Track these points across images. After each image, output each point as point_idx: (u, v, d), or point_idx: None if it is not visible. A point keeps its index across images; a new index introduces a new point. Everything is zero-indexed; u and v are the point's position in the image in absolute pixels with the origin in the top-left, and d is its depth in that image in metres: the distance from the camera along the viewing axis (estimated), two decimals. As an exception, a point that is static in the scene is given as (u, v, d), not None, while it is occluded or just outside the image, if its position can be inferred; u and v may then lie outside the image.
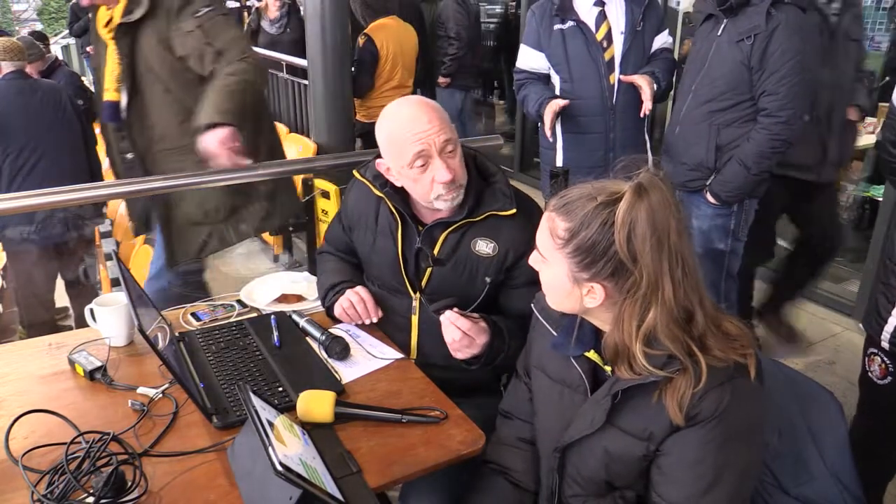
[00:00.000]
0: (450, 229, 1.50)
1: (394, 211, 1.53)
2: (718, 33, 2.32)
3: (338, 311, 1.61)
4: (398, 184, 1.50)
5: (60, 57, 7.47)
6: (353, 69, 4.11)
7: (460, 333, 1.37)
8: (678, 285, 0.99)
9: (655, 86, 2.45)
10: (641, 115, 2.48)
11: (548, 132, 2.51)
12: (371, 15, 4.19)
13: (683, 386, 0.99)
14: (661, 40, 2.61)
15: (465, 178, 1.47)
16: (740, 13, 2.24)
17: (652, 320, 0.99)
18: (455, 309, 1.39)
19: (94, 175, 3.21)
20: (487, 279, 1.51)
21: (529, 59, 2.61)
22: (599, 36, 2.48)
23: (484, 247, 1.50)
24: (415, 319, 1.58)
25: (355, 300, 1.58)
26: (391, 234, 1.55)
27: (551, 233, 1.04)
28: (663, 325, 0.98)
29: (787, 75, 2.17)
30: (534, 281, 1.37)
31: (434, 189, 1.43)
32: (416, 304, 1.57)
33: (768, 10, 2.17)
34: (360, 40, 4.10)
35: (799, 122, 2.24)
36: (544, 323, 1.21)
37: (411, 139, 1.40)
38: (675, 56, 2.89)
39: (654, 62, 2.56)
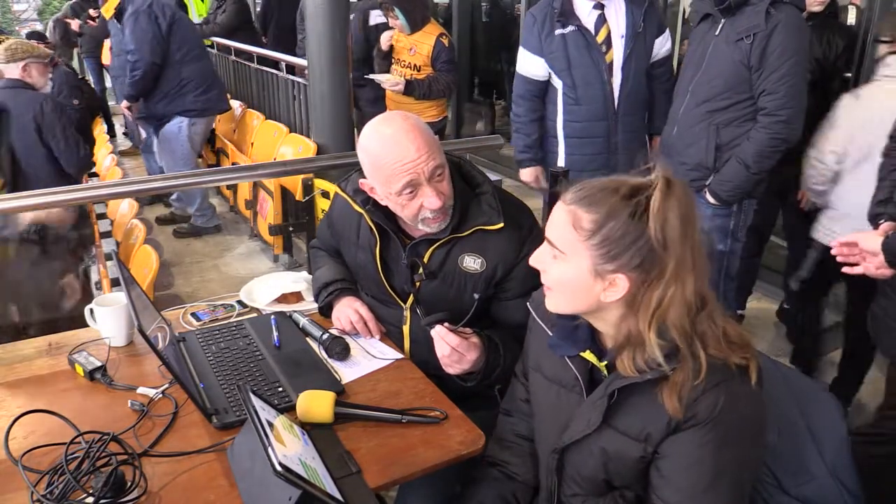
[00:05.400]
0: (435, 245, 1.47)
1: (373, 227, 1.51)
2: (716, 33, 2.32)
3: (336, 324, 1.61)
4: (383, 203, 1.46)
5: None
6: (446, 69, 3.90)
7: (449, 349, 1.36)
8: (699, 274, 1.00)
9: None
10: None
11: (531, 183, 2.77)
12: (427, 19, 4.02)
13: (682, 380, 0.99)
14: (661, 44, 2.61)
15: (452, 198, 1.43)
16: (738, 13, 2.25)
17: (667, 307, 0.99)
18: (446, 324, 1.37)
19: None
20: (476, 295, 1.49)
21: (528, 64, 2.61)
22: (599, 39, 2.49)
23: (471, 263, 1.47)
24: (406, 329, 1.57)
25: (355, 320, 1.58)
26: (370, 249, 1.53)
27: (574, 225, 1.03)
28: (676, 314, 0.99)
29: (787, 74, 2.17)
30: (525, 293, 1.37)
31: (422, 213, 1.40)
32: (406, 314, 1.56)
33: (767, 10, 2.17)
34: (444, 40, 3.89)
35: (799, 122, 2.24)
36: (540, 323, 1.21)
37: (400, 170, 1.35)
38: (675, 56, 2.90)
39: (657, 95, 2.63)
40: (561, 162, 2.64)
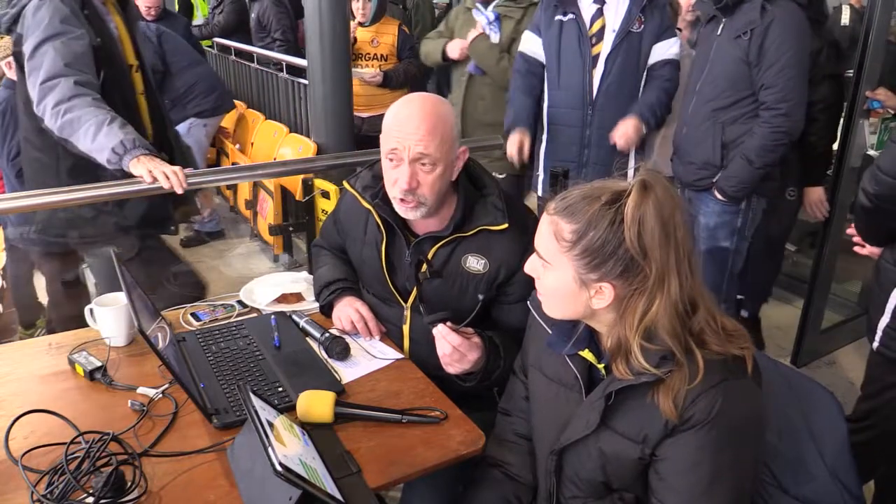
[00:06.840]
0: (439, 244, 1.48)
1: (380, 224, 1.52)
2: (718, 33, 2.37)
3: (337, 323, 1.62)
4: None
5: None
6: (413, 55, 3.98)
7: (451, 348, 1.36)
8: (685, 279, 1.00)
9: (645, 127, 2.47)
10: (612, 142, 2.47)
11: (513, 157, 2.59)
12: (384, 10, 4.13)
13: (678, 383, 0.99)
14: (665, 49, 2.54)
15: (434, 199, 1.43)
16: (737, 11, 2.29)
17: (654, 314, 0.99)
18: (448, 323, 1.37)
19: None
20: (480, 296, 1.49)
21: (530, 42, 2.67)
22: (592, 31, 2.52)
23: (475, 263, 1.48)
24: (406, 329, 1.57)
25: (356, 319, 1.59)
26: (376, 245, 1.54)
27: (556, 236, 1.04)
28: (665, 319, 0.99)
29: (785, 67, 2.20)
30: (526, 297, 1.37)
31: (392, 189, 1.43)
32: (407, 313, 1.56)
33: (762, 5, 2.21)
34: (405, 29, 4.09)
35: (799, 114, 2.25)
36: (540, 321, 1.21)
37: (393, 133, 1.40)
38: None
39: (647, 90, 2.54)
40: (542, 148, 2.67)
